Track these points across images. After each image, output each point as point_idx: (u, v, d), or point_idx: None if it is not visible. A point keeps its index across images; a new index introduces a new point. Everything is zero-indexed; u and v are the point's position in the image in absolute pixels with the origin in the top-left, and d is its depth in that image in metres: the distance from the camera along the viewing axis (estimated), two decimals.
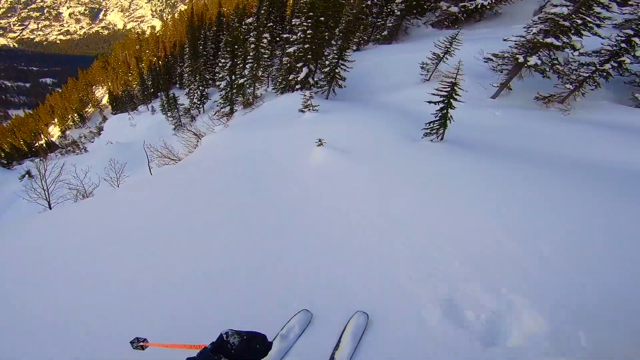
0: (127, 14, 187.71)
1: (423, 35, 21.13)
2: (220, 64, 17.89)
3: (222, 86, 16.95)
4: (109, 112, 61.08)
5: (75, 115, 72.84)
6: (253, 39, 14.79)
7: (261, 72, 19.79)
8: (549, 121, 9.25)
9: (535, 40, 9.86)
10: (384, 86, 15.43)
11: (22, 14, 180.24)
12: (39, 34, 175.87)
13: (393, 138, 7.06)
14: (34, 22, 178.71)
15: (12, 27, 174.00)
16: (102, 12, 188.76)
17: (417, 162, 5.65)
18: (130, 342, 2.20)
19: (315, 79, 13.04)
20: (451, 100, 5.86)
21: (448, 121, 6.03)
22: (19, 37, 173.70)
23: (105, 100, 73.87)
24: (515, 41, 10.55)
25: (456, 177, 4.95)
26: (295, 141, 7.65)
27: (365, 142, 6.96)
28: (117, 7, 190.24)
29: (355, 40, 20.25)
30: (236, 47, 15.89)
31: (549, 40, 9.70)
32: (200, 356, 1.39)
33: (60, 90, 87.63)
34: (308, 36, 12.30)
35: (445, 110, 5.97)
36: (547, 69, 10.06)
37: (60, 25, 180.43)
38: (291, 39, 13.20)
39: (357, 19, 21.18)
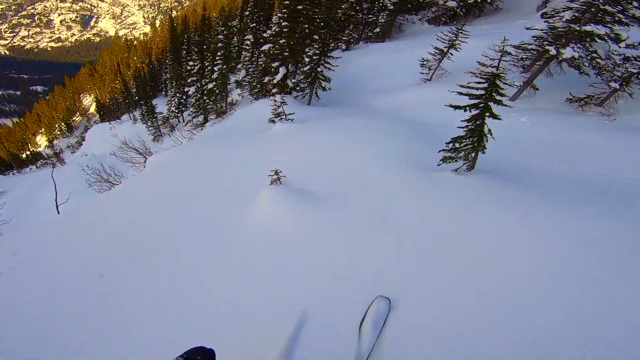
0: (119, 21, 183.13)
1: (419, 33, 18.92)
2: (189, 67, 15.37)
3: (191, 92, 14.38)
4: (97, 121, 58.27)
5: (63, 124, 69.80)
6: (221, 36, 12.28)
7: (242, 76, 17.39)
8: (596, 130, 6.91)
9: (570, 28, 7.55)
10: (378, 88, 13.10)
11: (13, 21, 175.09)
12: (30, 41, 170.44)
13: (393, 164, 4.66)
14: (25, 29, 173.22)
15: (2, 34, 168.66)
16: (94, 19, 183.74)
17: (443, 225, 3.16)
18: None
19: (296, 81, 10.61)
20: (490, 103, 3.51)
21: (485, 139, 3.67)
22: (9, 44, 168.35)
23: (93, 108, 71.11)
24: (542, 30, 8.24)
25: (533, 264, 2.54)
26: (249, 170, 5.17)
27: (350, 173, 4.53)
28: (108, 14, 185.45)
29: (344, 38, 17.97)
30: (204, 47, 13.40)
31: (588, 28, 7.41)
32: None
33: (47, 99, 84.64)
34: (284, 29, 9.90)
35: (479, 120, 3.60)
36: (586, 64, 7.75)
37: (51, 32, 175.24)
38: (266, 35, 10.80)
39: (346, 15, 18.90)
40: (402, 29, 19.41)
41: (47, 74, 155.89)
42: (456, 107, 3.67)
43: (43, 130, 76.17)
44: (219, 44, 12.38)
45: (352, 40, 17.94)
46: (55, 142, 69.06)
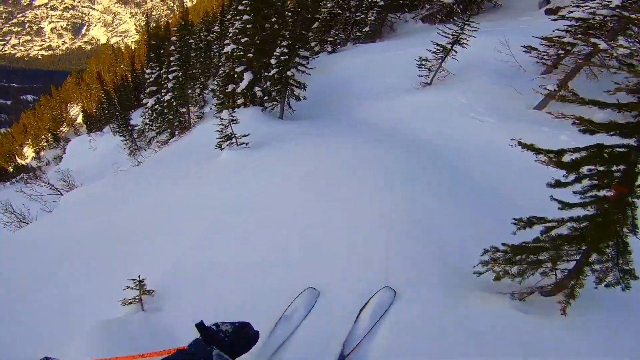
0: (110, 29, 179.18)
1: (412, 32, 16.98)
2: (145, 75, 13.13)
3: (149, 104, 12.13)
4: (80, 133, 55.64)
5: (49, 135, 66.58)
6: (174, 38, 10.00)
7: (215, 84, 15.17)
8: None
9: (622, 16, 5.48)
10: (368, 95, 11.01)
11: (4, 29, 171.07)
12: (21, 49, 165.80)
13: (387, 273, 2.43)
14: (15, 37, 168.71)
15: None
16: (85, 27, 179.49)
17: None
18: None
19: (264, 88, 8.42)
20: None
21: (627, 250, 1.47)
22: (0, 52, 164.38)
23: (80, 118, 68.22)
24: (578, 18, 6.16)
25: None
26: (150, 248, 2.96)
27: (305, 272, 2.35)
28: (100, 22, 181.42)
29: (330, 39, 15.93)
30: (162, 52, 11.28)
31: None
32: (193, 347, 1.21)
33: (34, 109, 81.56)
34: (247, 25, 7.76)
35: (624, 198, 1.37)
36: None
37: (42, 41, 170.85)
38: (229, 34, 8.65)
39: (332, 14, 16.90)
40: (393, 28, 17.44)
41: (37, 82, 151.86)
42: (566, 168, 1.44)
43: (30, 141, 73.15)
44: (171, 47, 10.15)
45: (338, 41, 15.87)
46: (42, 153, 66.08)
